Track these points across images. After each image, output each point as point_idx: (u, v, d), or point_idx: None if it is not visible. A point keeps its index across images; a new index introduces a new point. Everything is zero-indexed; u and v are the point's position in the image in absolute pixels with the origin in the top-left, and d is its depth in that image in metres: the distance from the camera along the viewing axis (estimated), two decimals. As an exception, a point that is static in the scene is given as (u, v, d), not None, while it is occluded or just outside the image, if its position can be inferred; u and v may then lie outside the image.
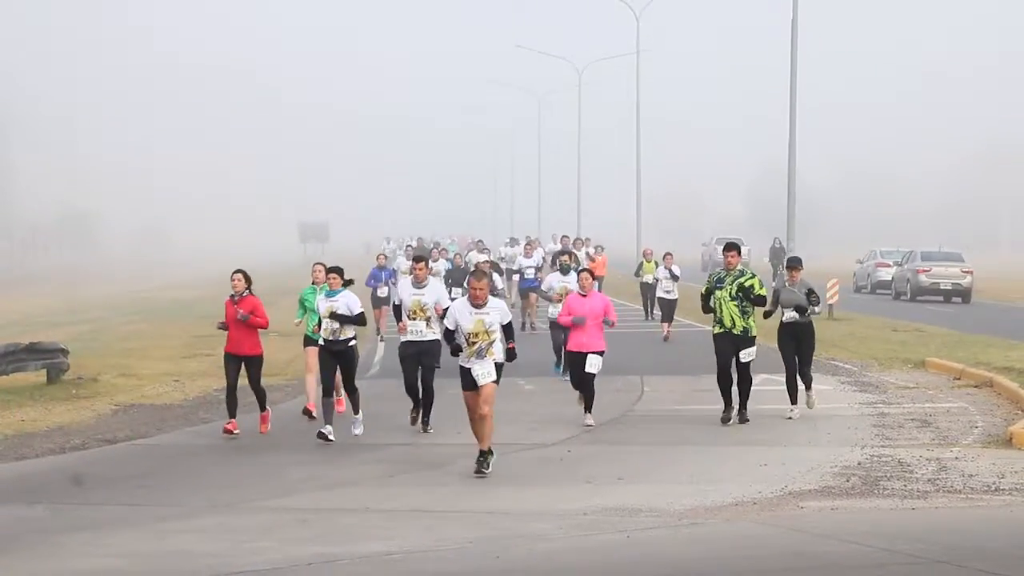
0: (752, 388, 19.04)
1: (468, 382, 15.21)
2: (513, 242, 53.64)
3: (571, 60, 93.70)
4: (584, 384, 18.93)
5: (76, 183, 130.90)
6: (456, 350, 15.31)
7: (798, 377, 19.36)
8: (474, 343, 15.12)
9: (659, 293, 33.16)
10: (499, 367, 15.30)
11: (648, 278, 36.49)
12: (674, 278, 32.28)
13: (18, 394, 22.17)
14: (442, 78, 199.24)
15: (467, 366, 15.18)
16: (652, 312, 36.26)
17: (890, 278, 51.08)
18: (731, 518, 12.88)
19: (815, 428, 18.43)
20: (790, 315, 19.22)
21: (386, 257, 34.56)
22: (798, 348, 19.31)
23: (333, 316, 17.82)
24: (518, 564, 11.27)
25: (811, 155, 65.18)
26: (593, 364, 18.73)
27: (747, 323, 18.54)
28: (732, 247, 18.69)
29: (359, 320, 17.95)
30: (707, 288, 18.82)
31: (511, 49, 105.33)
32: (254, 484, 15.02)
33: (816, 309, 19.33)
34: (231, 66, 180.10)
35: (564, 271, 24.21)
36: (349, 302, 17.88)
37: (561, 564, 11.23)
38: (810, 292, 19.15)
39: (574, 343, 19.04)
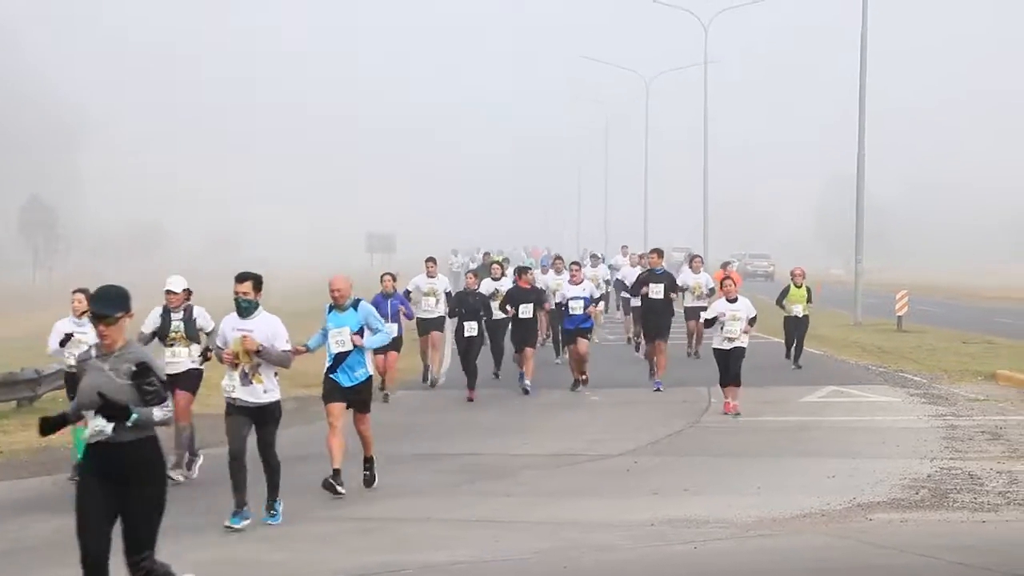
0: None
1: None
2: (593, 259, 36.09)
3: (639, 71, 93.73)
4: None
5: (142, 196, 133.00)
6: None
7: None
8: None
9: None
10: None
11: (797, 310, 27.43)
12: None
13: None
14: (507, 91, 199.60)
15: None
16: (798, 358, 27.41)
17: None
18: (799, 530, 12.76)
19: (884, 440, 18.23)
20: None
21: (393, 280, 22.97)
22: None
23: None
24: (584, 574, 11.22)
25: (878, 164, 64.78)
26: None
27: None
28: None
29: None
30: None
31: (578, 62, 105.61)
32: (316, 494, 15.00)
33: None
34: (288, 86, 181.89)
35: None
36: None
37: (628, 574, 11.16)
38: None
39: None
